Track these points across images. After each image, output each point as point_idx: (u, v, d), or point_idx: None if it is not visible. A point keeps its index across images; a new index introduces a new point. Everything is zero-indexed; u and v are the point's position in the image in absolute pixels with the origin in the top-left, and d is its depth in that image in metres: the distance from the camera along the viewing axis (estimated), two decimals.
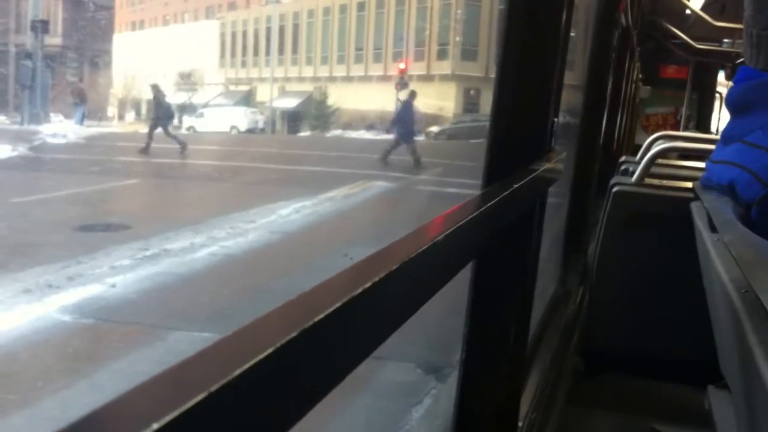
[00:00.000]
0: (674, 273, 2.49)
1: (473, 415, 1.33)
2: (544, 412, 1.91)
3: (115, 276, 6.38)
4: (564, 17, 1.44)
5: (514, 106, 1.33)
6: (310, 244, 8.80)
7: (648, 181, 2.97)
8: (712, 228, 1.41)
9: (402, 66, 32.30)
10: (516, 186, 1.13)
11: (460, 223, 0.82)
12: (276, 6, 36.64)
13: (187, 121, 25.72)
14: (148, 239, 7.64)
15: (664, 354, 2.74)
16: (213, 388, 0.36)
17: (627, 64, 5.39)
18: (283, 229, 8.99)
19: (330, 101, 32.82)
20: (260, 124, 29.83)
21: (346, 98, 31.76)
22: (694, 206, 1.72)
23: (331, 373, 0.51)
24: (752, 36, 1.50)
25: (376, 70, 34.16)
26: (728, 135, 1.58)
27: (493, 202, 1.00)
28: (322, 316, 0.47)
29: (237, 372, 0.38)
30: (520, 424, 1.62)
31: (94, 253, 6.98)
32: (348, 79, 34.75)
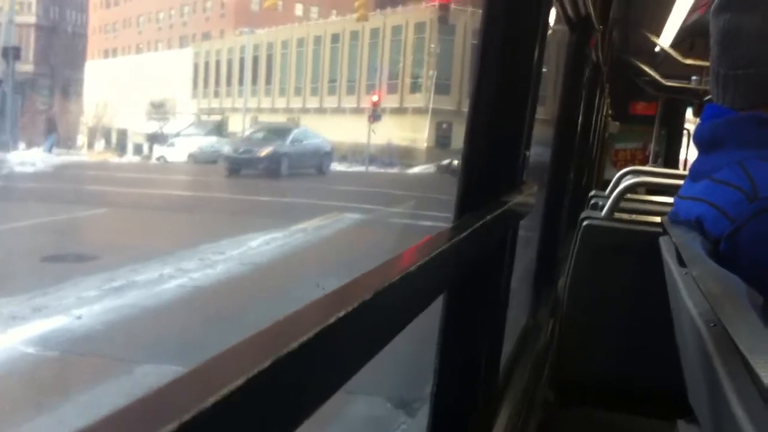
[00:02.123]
0: (644, 307, 2.50)
1: None
2: None
3: (81, 307, 6.29)
4: (536, 54, 1.46)
5: (487, 139, 1.34)
6: (280, 276, 8.75)
7: (617, 215, 3.00)
8: (681, 262, 1.43)
9: (375, 98, 32.51)
10: (488, 218, 1.13)
11: (432, 255, 0.82)
12: (250, 36, 36.79)
13: (158, 150, 25.54)
14: (116, 270, 7.55)
15: (634, 387, 2.75)
16: (181, 420, 0.35)
17: (597, 100, 5.46)
18: (253, 260, 8.93)
19: None
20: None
21: (319, 129, 31.87)
22: (663, 241, 1.74)
23: (301, 407, 0.50)
24: (719, 75, 1.53)
25: (350, 102, 34.37)
26: (697, 171, 1.60)
27: (464, 234, 1.00)
28: (292, 347, 0.46)
29: (204, 405, 0.37)
30: None
31: (61, 284, 6.88)
32: (321, 110, 34.90)
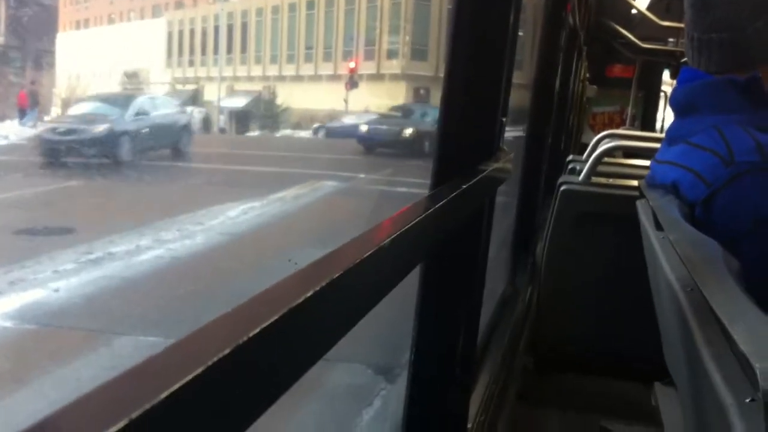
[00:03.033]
0: (621, 271, 2.52)
1: (423, 417, 1.32)
2: (494, 411, 1.91)
3: (58, 280, 6.24)
4: (511, 18, 1.44)
5: (463, 106, 1.32)
6: (259, 245, 8.72)
7: (595, 179, 3.01)
8: (658, 226, 1.43)
9: (352, 65, 32.29)
10: (464, 187, 1.12)
11: (409, 226, 0.81)
12: (224, 4, 36.34)
13: None
14: (92, 242, 7.48)
15: (613, 351, 2.77)
16: (156, 400, 0.35)
17: (574, 64, 5.45)
18: (231, 230, 8.90)
19: (279, 100, 32.62)
20: (222, 123, 29.11)
21: (295, 97, 31.62)
22: (640, 204, 1.74)
23: (280, 380, 0.50)
24: (693, 39, 1.53)
25: (326, 69, 34.13)
26: (673, 136, 1.59)
27: (441, 203, 0.99)
28: (270, 321, 0.46)
29: (181, 382, 0.37)
30: (469, 425, 1.62)
31: (37, 257, 6.82)
32: (298, 78, 34.63)
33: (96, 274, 6.57)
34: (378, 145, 18.68)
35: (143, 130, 13.45)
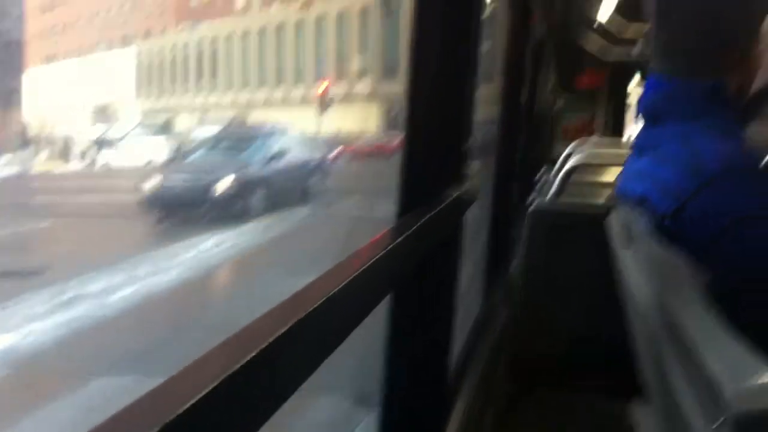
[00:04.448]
0: (595, 288, 2.50)
1: None
2: None
3: (29, 324, 6.17)
4: (472, 34, 1.42)
5: (426, 130, 1.30)
6: (231, 277, 8.71)
7: (567, 190, 3.00)
8: (627, 242, 1.41)
9: (323, 87, 32.32)
10: (431, 214, 1.10)
11: (376, 258, 0.81)
12: (191, 33, 36.35)
13: (103, 155, 24.89)
14: (65, 283, 7.41)
15: (592, 366, 2.75)
16: None
17: (541, 76, 5.46)
18: (203, 264, 8.86)
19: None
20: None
21: (267, 121, 31.63)
22: (609, 220, 1.72)
23: (256, 416, 0.51)
24: (658, 44, 1.51)
25: (298, 92, 34.19)
26: (641, 145, 1.57)
27: (409, 232, 0.97)
28: (243, 362, 0.47)
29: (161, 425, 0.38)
30: None
31: (7, 302, 6.73)
32: (269, 102, 34.65)
33: (69, 316, 6.52)
34: (174, 209, 11.78)
35: None
